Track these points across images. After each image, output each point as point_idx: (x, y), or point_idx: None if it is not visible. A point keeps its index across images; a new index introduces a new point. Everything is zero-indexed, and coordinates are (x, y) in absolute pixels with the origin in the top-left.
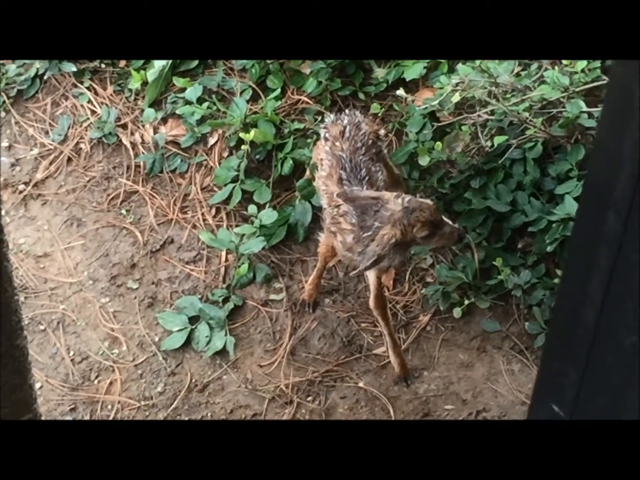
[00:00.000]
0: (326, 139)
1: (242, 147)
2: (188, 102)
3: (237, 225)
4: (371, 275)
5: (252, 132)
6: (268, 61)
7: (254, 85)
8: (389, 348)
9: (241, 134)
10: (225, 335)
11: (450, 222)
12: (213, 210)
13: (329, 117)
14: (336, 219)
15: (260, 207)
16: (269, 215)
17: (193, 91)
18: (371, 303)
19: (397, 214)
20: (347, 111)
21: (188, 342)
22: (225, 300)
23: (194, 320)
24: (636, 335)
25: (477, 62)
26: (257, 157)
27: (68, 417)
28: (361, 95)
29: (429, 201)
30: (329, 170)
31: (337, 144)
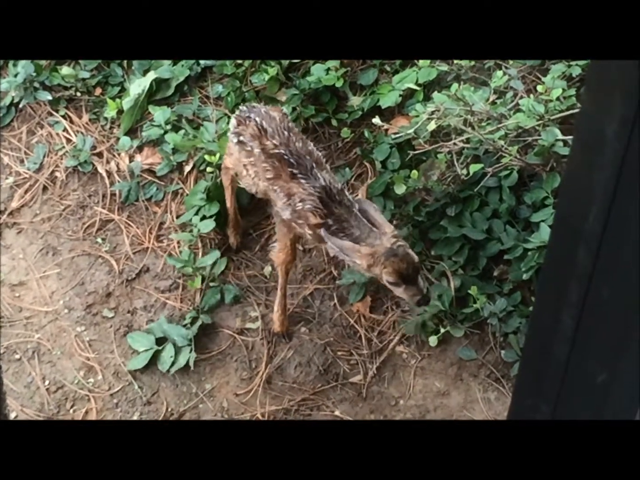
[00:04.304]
0: (243, 142)
1: (207, 169)
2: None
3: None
4: (280, 229)
5: (218, 154)
6: (244, 89)
7: (229, 113)
8: (275, 303)
9: (206, 156)
10: (190, 352)
11: (421, 284)
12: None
13: (232, 120)
14: (302, 213)
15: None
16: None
17: (162, 114)
18: (275, 257)
19: (380, 248)
20: (244, 108)
21: (155, 364)
22: (194, 321)
23: (161, 341)
24: (607, 372)
25: (453, 90)
26: None
27: None
28: (334, 122)
29: (415, 256)
30: (274, 171)
31: (267, 143)
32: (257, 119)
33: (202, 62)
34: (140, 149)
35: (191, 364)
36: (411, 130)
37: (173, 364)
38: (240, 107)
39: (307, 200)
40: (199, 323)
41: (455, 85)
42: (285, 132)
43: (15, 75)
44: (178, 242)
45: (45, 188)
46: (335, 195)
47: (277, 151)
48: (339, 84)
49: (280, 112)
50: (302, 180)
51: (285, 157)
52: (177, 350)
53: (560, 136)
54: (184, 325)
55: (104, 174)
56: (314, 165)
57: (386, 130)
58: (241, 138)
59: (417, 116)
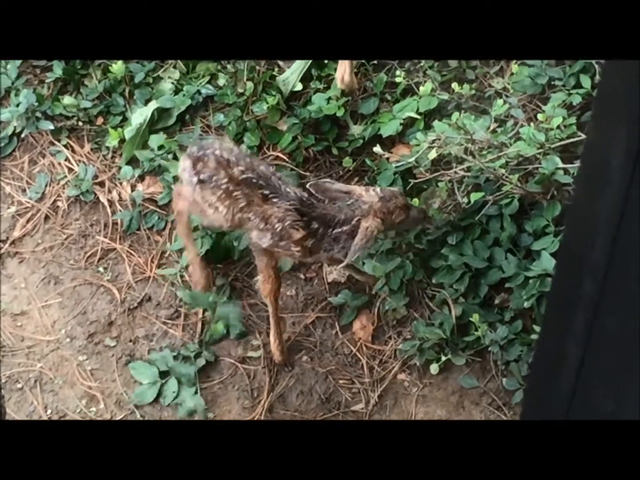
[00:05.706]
0: (204, 181)
1: None
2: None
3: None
4: (260, 260)
5: None
6: (245, 118)
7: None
8: (271, 334)
9: None
10: (196, 393)
11: (414, 205)
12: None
13: (185, 163)
14: (283, 233)
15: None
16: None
17: (155, 139)
18: (261, 288)
19: (376, 204)
20: (193, 148)
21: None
22: (197, 355)
23: (164, 374)
24: (613, 401)
25: (453, 119)
26: None
27: None
28: (335, 151)
29: (395, 188)
30: (246, 198)
31: (234, 170)
32: (215, 152)
33: (203, 91)
34: (141, 178)
35: (200, 411)
36: (412, 159)
37: (175, 398)
38: (189, 149)
39: (285, 218)
40: (202, 362)
41: (456, 114)
42: (247, 158)
43: (17, 105)
44: (180, 271)
45: (47, 217)
46: (306, 201)
47: (245, 176)
48: (339, 113)
49: (230, 142)
50: (275, 200)
51: (254, 180)
52: (180, 386)
53: (561, 164)
54: (186, 357)
55: (106, 203)
56: (280, 182)
57: (387, 159)
58: (202, 177)
59: (418, 145)
